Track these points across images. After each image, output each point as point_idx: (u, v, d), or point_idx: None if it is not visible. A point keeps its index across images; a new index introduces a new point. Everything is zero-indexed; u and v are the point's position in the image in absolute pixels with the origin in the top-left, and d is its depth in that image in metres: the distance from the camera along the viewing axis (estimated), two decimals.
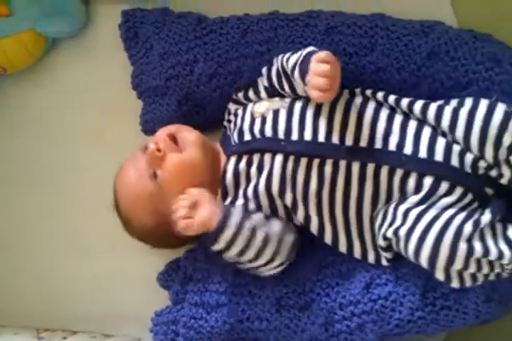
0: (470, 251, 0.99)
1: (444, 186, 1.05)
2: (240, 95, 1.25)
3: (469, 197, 1.05)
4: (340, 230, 1.13)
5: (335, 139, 1.10)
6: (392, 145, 1.08)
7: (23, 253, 1.43)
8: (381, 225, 1.08)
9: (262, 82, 1.22)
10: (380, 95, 1.13)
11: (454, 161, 1.05)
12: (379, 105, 1.13)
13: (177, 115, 1.29)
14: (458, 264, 1.00)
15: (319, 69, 1.04)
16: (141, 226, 1.20)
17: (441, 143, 1.07)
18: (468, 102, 1.08)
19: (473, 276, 1.03)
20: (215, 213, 1.09)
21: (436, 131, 1.08)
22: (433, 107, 1.08)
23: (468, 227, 1.00)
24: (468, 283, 1.03)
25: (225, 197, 1.18)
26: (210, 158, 1.18)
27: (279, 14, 1.25)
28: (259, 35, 1.24)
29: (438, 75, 1.15)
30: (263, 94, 1.22)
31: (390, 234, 1.05)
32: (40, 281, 1.41)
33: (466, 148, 1.04)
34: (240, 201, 1.15)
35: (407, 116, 1.11)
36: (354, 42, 1.18)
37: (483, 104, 1.05)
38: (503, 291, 1.05)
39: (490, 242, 1.01)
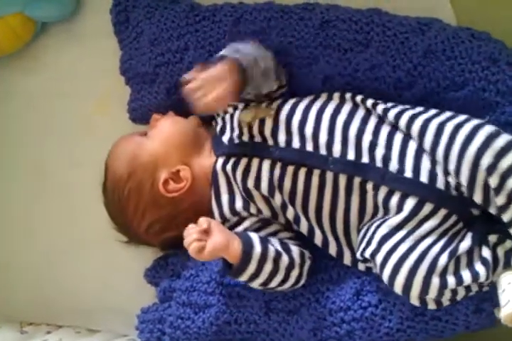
0: (443, 284, 0.99)
1: (427, 208, 1.03)
2: None
3: (453, 218, 1.03)
4: (330, 237, 1.12)
5: (322, 150, 1.09)
6: (379, 161, 1.06)
7: (8, 247, 1.42)
8: (361, 242, 1.07)
9: None
10: (369, 103, 1.11)
11: (440, 183, 1.03)
12: (368, 113, 1.11)
13: (166, 104, 1.27)
14: (432, 295, 1.00)
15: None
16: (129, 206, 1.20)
17: (426, 162, 1.04)
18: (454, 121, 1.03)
19: (451, 299, 1.03)
20: (229, 239, 1.05)
21: (421, 147, 1.06)
22: (418, 123, 1.05)
23: (443, 259, 0.99)
24: (445, 304, 1.03)
25: (218, 197, 1.17)
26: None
27: (273, 5, 1.22)
28: (252, 25, 1.21)
29: (434, 74, 1.13)
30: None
31: (367, 255, 1.05)
32: (26, 275, 1.40)
33: (447, 171, 1.02)
34: (239, 203, 1.14)
35: (395, 127, 1.09)
36: (349, 37, 1.16)
37: (467, 127, 1.00)
38: (493, 302, 1.04)
39: (464, 270, 1.00)
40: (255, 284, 1.08)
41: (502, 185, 0.96)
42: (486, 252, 1.00)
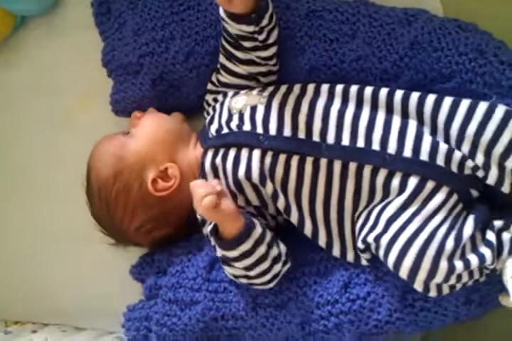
0: (451, 268, 0.97)
1: (429, 185, 1.02)
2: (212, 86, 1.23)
3: (455, 197, 1.03)
4: (321, 226, 1.10)
5: (316, 137, 1.08)
6: (376, 144, 1.05)
7: None
8: (362, 228, 1.06)
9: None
10: (368, 91, 1.09)
11: (440, 160, 1.03)
12: (360, 102, 1.09)
13: (150, 95, 1.25)
14: (438, 279, 0.98)
15: None
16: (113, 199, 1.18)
17: (427, 141, 1.04)
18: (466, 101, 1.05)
19: (452, 286, 1.02)
20: (238, 212, 1.04)
21: (422, 126, 1.05)
22: (430, 100, 1.05)
23: (450, 243, 0.98)
24: (445, 291, 1.02)
25: None
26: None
27: None
28: None
29: (421, 66, 1.12)
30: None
31: (370, 239, 1.03)
32: (10, 273, 1.39)
33: (457, 146, 1.02)
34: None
35: (391, 111, 1.07)
36: (335, 28, 1.15)
37: (484, 104, 1.02)
38: (482, 293, 1.05)
39: (470, 254, 0.99)
40: (241, 264, 1.05)
41: None
42: (491, 235, 1.00)
